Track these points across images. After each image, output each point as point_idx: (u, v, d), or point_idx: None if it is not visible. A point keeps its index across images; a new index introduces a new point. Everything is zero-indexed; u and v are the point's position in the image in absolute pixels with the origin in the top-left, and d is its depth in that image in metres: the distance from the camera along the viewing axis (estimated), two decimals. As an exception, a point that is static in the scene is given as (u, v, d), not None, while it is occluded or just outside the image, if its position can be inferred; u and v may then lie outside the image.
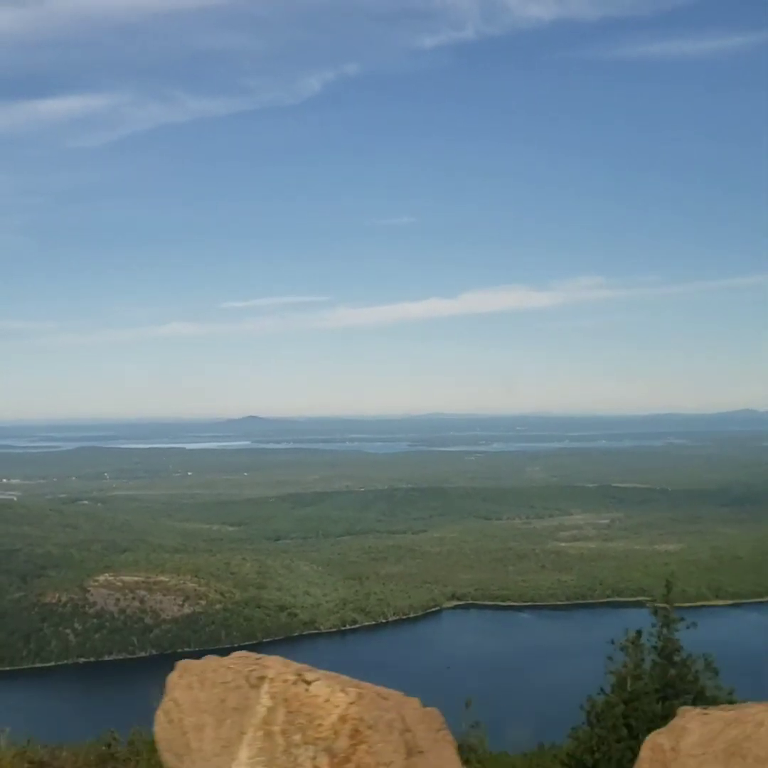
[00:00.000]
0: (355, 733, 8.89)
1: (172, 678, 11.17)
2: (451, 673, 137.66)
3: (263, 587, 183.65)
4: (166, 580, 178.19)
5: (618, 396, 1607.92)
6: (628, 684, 18.18)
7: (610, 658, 19.25)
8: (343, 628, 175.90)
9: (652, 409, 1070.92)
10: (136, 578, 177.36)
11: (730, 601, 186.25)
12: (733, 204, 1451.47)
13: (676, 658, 18.98)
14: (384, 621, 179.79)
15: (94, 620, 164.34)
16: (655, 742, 9.70)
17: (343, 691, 9.15)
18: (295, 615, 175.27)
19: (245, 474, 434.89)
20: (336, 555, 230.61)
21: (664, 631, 19.19)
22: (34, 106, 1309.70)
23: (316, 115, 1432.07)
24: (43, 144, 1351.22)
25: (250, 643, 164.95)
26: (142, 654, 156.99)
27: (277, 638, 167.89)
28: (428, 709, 10.07)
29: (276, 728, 9.32)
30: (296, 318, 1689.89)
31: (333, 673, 9.81)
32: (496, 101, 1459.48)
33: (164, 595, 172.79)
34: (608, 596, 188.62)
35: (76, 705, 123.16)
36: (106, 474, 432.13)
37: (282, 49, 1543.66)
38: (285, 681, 9.49)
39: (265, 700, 9.53)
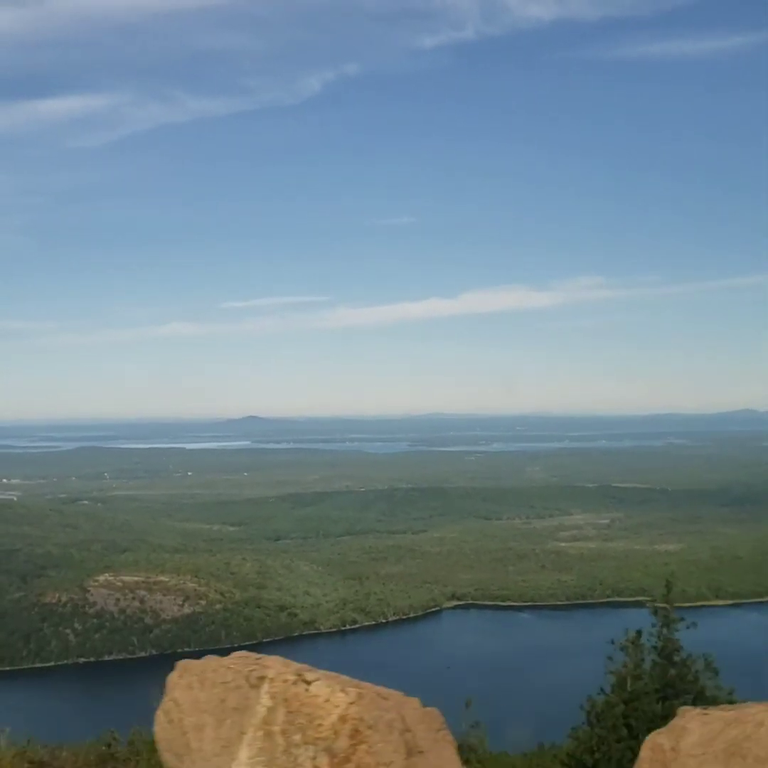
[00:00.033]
0: (355, 733, 8.89)
1: (172, 678, 11.17)
2: (452, 673, 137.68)
3: (263, 587, 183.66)
4: (166, 580, 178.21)
5: (618, 396, 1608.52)
6: (628, 684, 18.18)
7: (610, 658, 19.25)
8: (343, 628, 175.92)
9: (652, 409, 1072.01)
10: (136, 578, 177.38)
11: (730, 601, 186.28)
12: (732, 204, 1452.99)
13: (676, 658, 18.98)
14: (384, 621, 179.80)
15: (94, 620, 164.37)
16: (655, 742, 9.69)
17: (343, 691, 9.14)
18: (295, 615, 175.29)
19: (245, 474, 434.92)
20: (336, 555, 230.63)
21: (664, 631, 19.19)
22: (34, 106, 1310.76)
23: (316, 115, 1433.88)
24: (43, 144, 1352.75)
25: (250, 643, 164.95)
26: (142, 654, 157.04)
27: (277, 638, 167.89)
28: (428, 709, 10.05)
29: (276, 728, 9.31)
30: (296, 318, 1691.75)
31: (333, 673, 9.80)
32: (496, 101, 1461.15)
33: (164, 595, 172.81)
34: (608, 596, 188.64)
35: (76, 705, 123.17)
36: (106, 474, 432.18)
37: (282, 49, 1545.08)
38: (285, 681, 9.49)
39: (265, 700, 9.53)
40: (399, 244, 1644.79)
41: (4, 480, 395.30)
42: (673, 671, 18.77)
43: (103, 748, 18.08)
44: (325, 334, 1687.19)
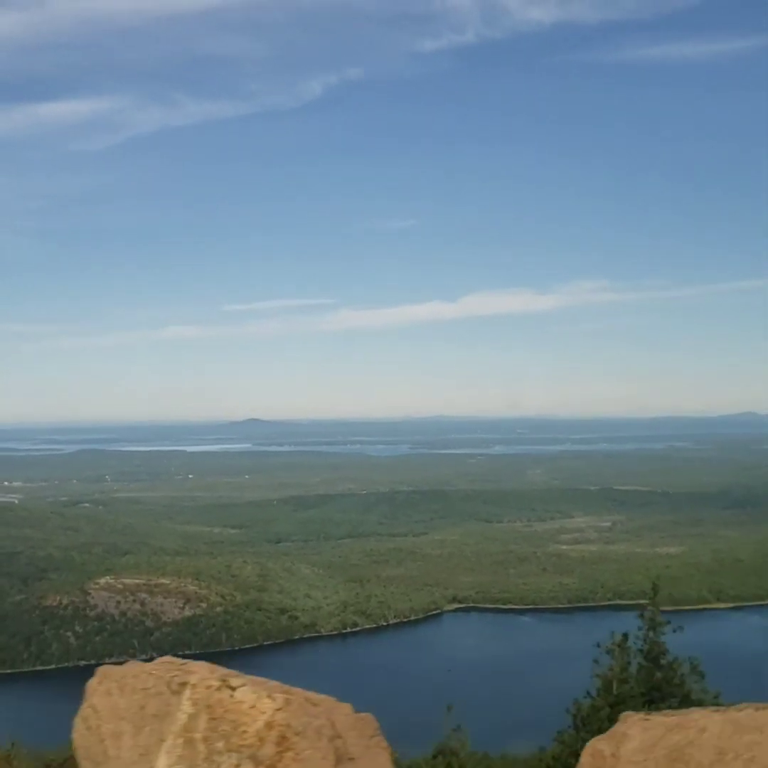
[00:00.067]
0: (282, 739, 8.68)
1: (92, 684, 10.93)
2: (452, 675, 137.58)
3: (264, 590, 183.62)
4: (167, 582, 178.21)
5: (619, 399, 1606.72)
6: (614, 687, 18.17)
7: (596, 661, 19.24)
8: (343, 631, 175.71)
9: (653, 411, 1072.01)
10: (137, 581, 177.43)
11: (731, 604, 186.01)
12: (734, 207, 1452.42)
13: (663, 662, 18.97)
14: (385, 624, 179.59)
15: (95, 623, 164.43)
16: (595, 748, 9.60)
17: (269, 696, 8.91)
18: (296, 618, 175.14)
19: (247, 476, 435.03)
20: (337, 558, 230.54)
21: (651, 634, 19.18)
22: (36, 110, 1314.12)
23: (318, 118, 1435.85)
24: (45, 147, 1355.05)
25: (251, 645, 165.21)
26: (143, 657, 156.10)
27: (277, 641, 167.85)
28: (361, 714, 9.88)
29: (197, 735, 9.06)
30: (298, 320, 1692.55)
31: (261, 679, 9.54)
32: (497, 104, 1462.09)
33: (165, 597, 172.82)
34: (609, 599, 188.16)
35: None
36: (107, 477, 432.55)
37: (283, 53, 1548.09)
38: (208, 687, 9.25)
39: (187, 707, 9.27)
40: (401, 246, 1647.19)
41: (6, 483, 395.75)
42: (659, 674, 18.75)
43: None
44: (327, 337, 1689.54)
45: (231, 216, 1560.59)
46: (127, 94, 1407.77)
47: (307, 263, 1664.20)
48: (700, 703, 16.94)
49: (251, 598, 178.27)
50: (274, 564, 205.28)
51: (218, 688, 9.16)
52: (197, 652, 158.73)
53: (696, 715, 9.05)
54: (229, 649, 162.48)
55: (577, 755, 18.19)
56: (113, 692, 10.50)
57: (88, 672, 11.26)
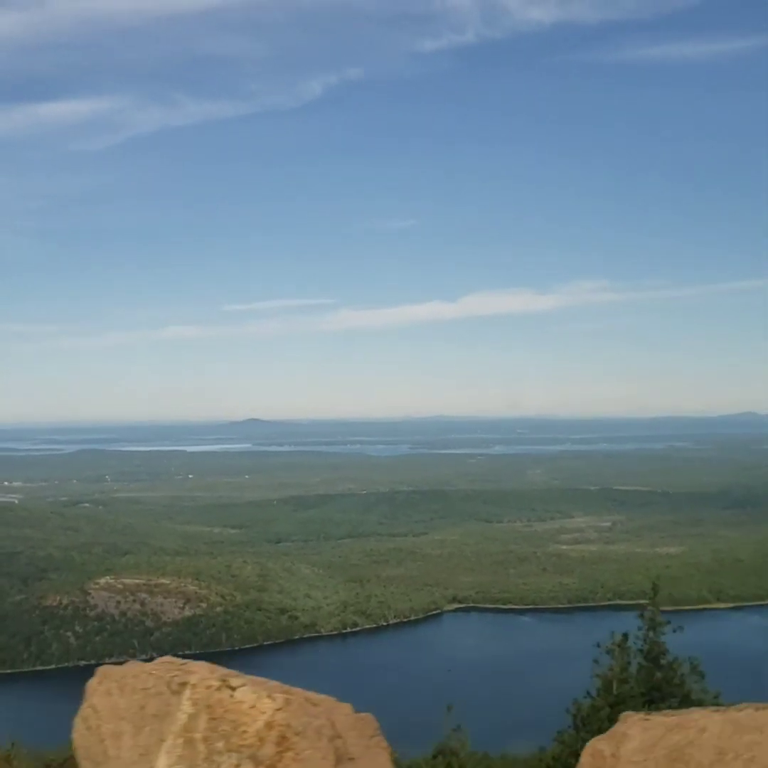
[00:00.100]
0: (282, 739, 8.68)
1: (92, 684, 10.92)
2: (452, 676, 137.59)
3: (264, 590, 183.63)
4: (167, 582, 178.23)
5: (619, 399, 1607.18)
6: (614, 687, 18.16)
7: (595, 661, 19.22)
8: (343, 631, 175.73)
9: (653, 411, 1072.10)
10: (137, 581, 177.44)
11: (731, 604, 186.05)
12: (734, 207, 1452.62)
13: (663, 662, 18.95)
14: (385, 624, 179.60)
15: (95, 623, 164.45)
16: (595, 747, 9.56)
17: (269, 696, 8.91)
18: (296, 618, 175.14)
19: (247, 476, 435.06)
20: (337, 558, 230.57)
21: (650, 634, 19.16)
22: (36, 110, 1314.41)
23: (318, 118, 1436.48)
24: (46, 147, 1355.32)
25: (251, 645, 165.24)
26: (143, 657, 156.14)
27: (277, 641, 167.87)
28: (361, 714, 9.86)
29: (197, 735, 9.07)
30: (298, 320, 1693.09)
31: (262, 679, 9.50)
32: (497, 104, 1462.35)
33: (165, 597, 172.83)
34: (609, 599, 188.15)
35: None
36: (107, 476, 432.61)
37: (283, 53, 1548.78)
38: (208, 687, 9.25)
39: (187, 707, 9.28)
40: (401, 246, 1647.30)
41: (6, 483, 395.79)
42: (659, 674, 18.73)
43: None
44: (327, 337, 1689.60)
45: (231, 216, 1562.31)
46: (127, 94, 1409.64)
47: (307, 263, 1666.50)
48: (700, 703, 16.93)
49: (251, 598, 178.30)
50: (274, 564, 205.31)
51: (218, 688, 9.15)
52: (197, 652, 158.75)
53: (696, 715, 9.03)
54: (229, 649, 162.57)
55: (577, 755, 18.16)
56: (113, 692, 10.50)
57: (88, 672, 11.28)
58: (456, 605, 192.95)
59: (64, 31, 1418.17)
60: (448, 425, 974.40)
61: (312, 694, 9.52)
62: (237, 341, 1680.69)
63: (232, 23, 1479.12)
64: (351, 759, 9.24)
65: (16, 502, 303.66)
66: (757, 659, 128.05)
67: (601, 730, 17.54)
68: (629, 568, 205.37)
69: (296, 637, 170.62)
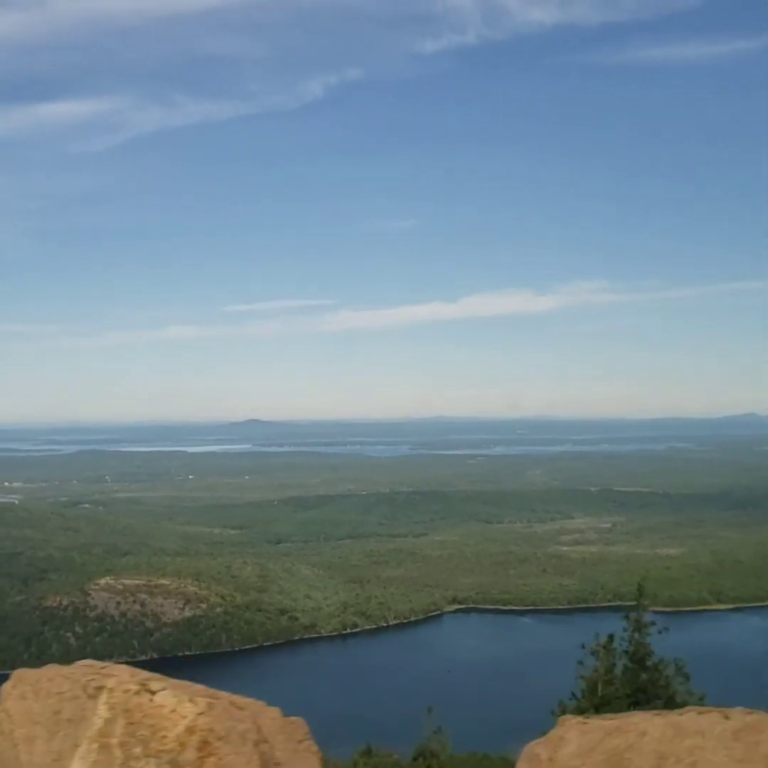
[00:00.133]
0: (204, 744, 8.55)
1: (6, 688, 10.80)
2: (452, 676, 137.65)
3: (264, 591, 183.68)
4: (167, 583, 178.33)
5: (620, 399, 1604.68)
6: (599, 689, 18.19)
7: (580, 662, 19.26)
8: (343, 632, 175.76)
9: (654, 412, 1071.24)
10: (137, 581, 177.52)
11: (731, 606, 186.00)
12: (735, 207, 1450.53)
13: (648, 663, 18.98)
14: (385, 625, 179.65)
15: (95, 624, 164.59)
16: (532, 751, 9.44)
17: (191, 701, 8.78)
18: (296, 619, 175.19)
19: (247, 477, 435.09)
20: (337, 558, 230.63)
21: (636, 635, 19.19)
22: (36, 110, 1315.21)
23: (318, 119, 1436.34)
24: (46, 148, 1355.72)
25: (251, 646, 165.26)
26: (143, 657, 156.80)
27: (277, 642, 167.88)
28: (290, 719, 9.73)
29: (114, 740, 8.95)
30: (298, 321, 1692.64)
31: (186, 683, 9.40)
32: (497, 105, 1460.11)
33: (165, 598, 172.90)
34: (609, 600, 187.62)
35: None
36: (107, 477, 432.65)
37: (284, 53, 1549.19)
38: (126, 691, 9.11)
39: (103, 711, 9.14)
40: (401, 247, 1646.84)
41: (6, 483, 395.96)
42: (644, 676, 18.75)
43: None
44: (327, 338, 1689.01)
45: (231, 216, 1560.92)
46: (127, 95, 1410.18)
47: (307, 263, 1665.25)
48: (685, 705, 16.95)
49: (251, 598, 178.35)
50: (274, 565, 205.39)
51: (137, 692, 9.01)
52: (197, 652, 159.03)
53: (636, 719, 8.84)
54: (229, 649, 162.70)
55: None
56: (28, 696, 10.33)
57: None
58: (456, 606, 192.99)
59: (64, 31, 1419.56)
60: (448, 426, 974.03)
61: (238, 698, 9.36)
62: (237, 341, 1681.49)
63: (232, 23, 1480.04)
64: (277, 764, 9.09)
65: (17, 502, 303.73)
66: (757, 660, 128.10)
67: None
68: (629, 569, 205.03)
69: (296, 637, 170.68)
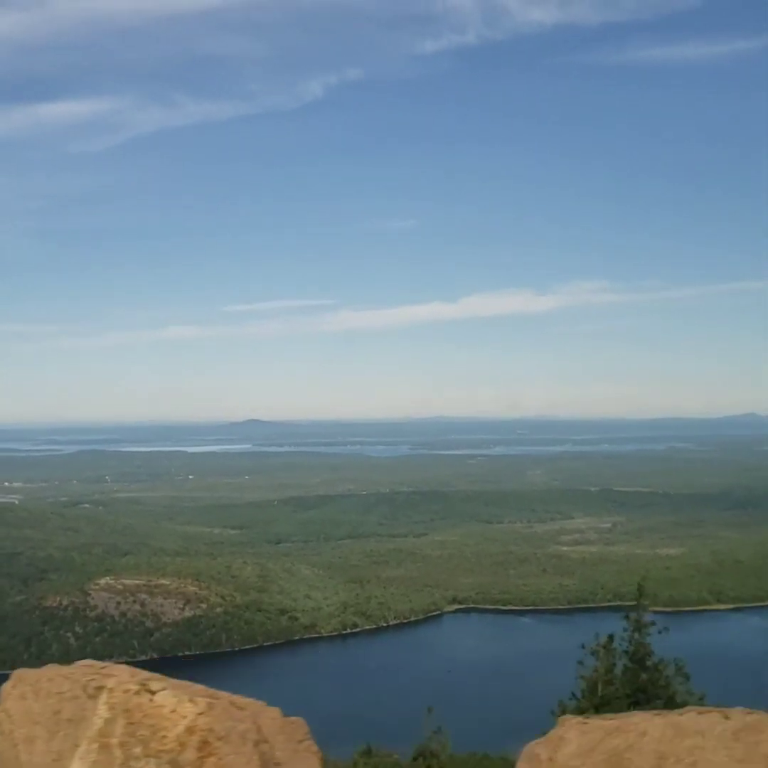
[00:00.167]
0: (204, 744, 8.55)
1: (6, 688, 10.82)
2: (452, 677, 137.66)
3: (264, 591, 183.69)
4: (167, 583, 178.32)
5: (620, 399, 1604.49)
6: (599, 689, 18.18)
7: (580, 662, 19.24)
8: (343, 632, 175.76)
9: (654, 412, 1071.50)
10: (137, 581, 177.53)
11: (731, 606, 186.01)
12: (735, 207, 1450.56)
13: (648, 663, 18.97)
14: (385, 625, 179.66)
15: (95, 624, 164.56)
16: (532, 752, 9.42)
17: (191, 701, 8.79)
18: (296, 619, 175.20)
19: (247, 477, 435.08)
20: (337, 558, 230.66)
21: (636, 635, 19.17)
22: (36, 110, 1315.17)
23: (318, 119, 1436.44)
24: (46, 148, 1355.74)
25: (251, 646, 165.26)
26: (143, 657, 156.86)
27: (277, 642, 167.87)
28: (290, 719, 9.71)
29: (113, 740, 8.95)
30: (298, 321, 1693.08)
31: (186, 683, 9.40)
32: (497, 105, 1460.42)
33: (165, 598, 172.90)
34: (610, 600, 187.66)
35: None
36: (107, 477, 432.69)
37: (283, 54, 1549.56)
38: (126, 691, 9.13)
39: (103, 711, 9.16)
40: (401, 247, 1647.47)
41: (6, 483, 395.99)
42: (644, 676, 18.74)
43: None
44: (327, 338, 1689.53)
45: (231, 216, 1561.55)
46: (127, 95, 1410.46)
47: (307, 263, 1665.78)
48: (685, 705, 16.95)
49: (251, 598, 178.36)
50: (274, 565, 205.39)
51: (137, 692, 9.02)
52: (197, 652, 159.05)
53: (636, 719, 8.82)
54: (229, 649, 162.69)
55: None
56: (28, 696, 10.34)
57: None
58: (456, 606, 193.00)
59: (64, 31, 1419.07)
60: (448, 426, 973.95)
61: (238, 698, 9.33)
62: (237, 341, 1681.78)
63: (232, 23, 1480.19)
64: (277, 764, 9.08)
65: (17, 502, 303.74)
66: (757, 660, 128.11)
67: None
68: (629, 569, 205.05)
69: (296, 638, 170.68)
